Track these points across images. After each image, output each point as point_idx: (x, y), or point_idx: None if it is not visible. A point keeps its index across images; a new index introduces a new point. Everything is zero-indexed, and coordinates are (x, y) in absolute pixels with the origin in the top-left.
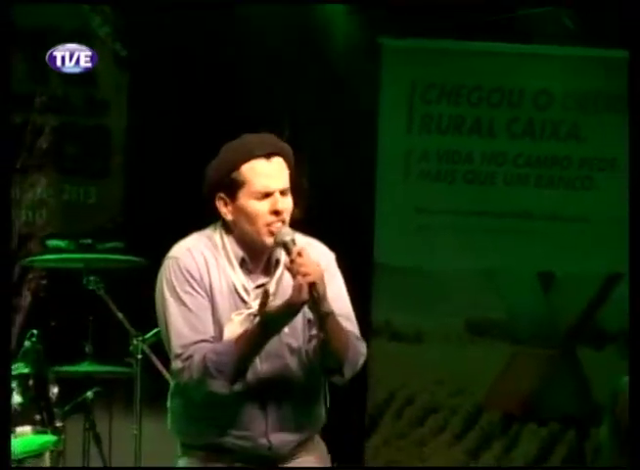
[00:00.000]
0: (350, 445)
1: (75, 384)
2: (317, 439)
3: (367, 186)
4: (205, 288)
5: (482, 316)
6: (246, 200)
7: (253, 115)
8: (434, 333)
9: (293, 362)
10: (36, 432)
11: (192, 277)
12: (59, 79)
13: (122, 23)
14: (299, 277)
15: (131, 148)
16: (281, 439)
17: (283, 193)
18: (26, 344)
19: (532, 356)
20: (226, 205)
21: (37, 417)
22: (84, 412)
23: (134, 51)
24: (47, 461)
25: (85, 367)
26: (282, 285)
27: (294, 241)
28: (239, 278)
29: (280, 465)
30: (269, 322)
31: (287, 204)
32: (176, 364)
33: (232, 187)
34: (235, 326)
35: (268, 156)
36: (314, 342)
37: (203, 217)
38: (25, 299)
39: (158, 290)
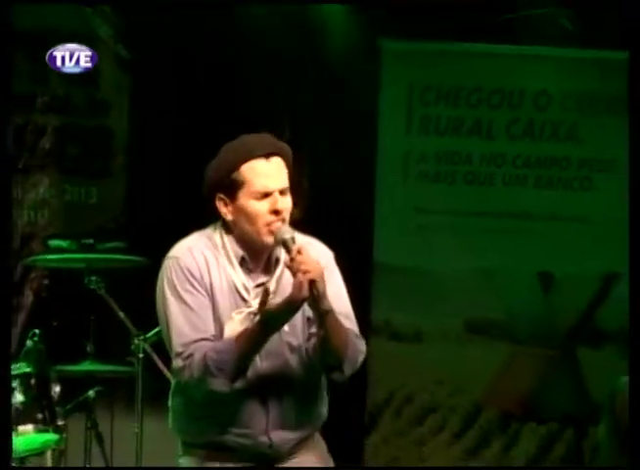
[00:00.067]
0: (350, 443)
1: (77, 383)
2: (317, 437)
3: (367, 186)
4: (206, 287)
5: (482, 316)
6: (245, 200)
7: (254, 115)
8: (433, 332)
9: (293, 360)
10: (38, 430)
11: (192, 276)
12: (60, 80)
13: (124, 24)
14: (300, 275)
15: (133, 148)
16: (281, 436)
17: (282, 193)
18: (28, 343)
19: (531, 356)
20: (226, 205)
21: (39, 416)
22: (86, 411)
23: (135, 52)
24: (49, 460)
25: (87, 366)
26: (282, 283)
27: (293, 239)
28: (239, 277)
29: (280, 463)
30: (269, 320)
31: (286, 203)
32: (177, 363)
33: (232, 187)
34: (235, 325)
35: (267, 156)
36: (314, 340)
37: (203, 217)
38: (27, 298)
39: (158, 289)
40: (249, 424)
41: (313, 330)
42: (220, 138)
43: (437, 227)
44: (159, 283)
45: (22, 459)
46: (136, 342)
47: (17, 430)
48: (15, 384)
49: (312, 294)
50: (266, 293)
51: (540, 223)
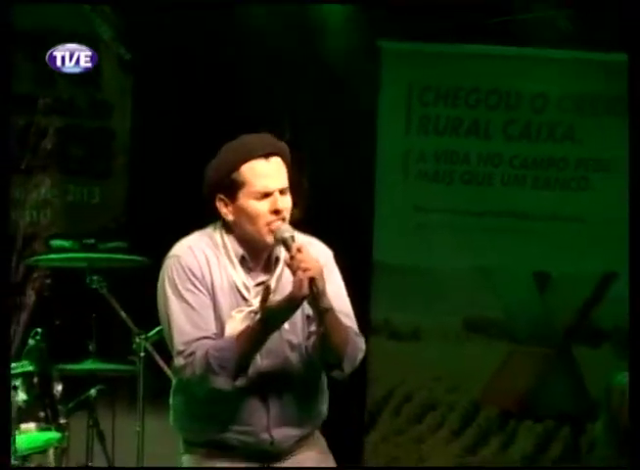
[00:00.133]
0: (350, 440)
1: (79, 381)
2: (317, 434)
3: (366, 186)
4: (207, 286)
5: (480, 315)
6: (246, 200)
7: (254, 115)
8: (432, 331)
9: (293, 358)
10: (40, 429)
11: (193, 275)
12: (62, 81)
13: (124, 25)
14: (300, 272)
15: (134, 149)
16: (283, 434)
17: (282, 192)
18: (31, 342)
19: (529, 355)
20: (226, 205)
21: (41, 414)
22: (88, 409)
23: (136, 53)
24: (51, 458)
25: (89, 365)
26: (282, 282)
27: (293, 238)
28: (239, 276)
29: (281, 460)
30: (270, 317)
31: (286, 203)
32: (178, 361)
33: (232, 188)
34: (236, 323)
35: (267, 156)
36: (314, 338)
37: (204, 217)
38: (30, 298)
39: (160, 288)
40: (250, 421)
41: (313, 328)
42: (221, 138)
43: (436, 226)
44: (160, 282)
45: (25, 457)
46: (137, 341)
47: (19, 428)
48: (17, 382)
49: (312, 292)
50: (267, 290)
51: (538, 223)
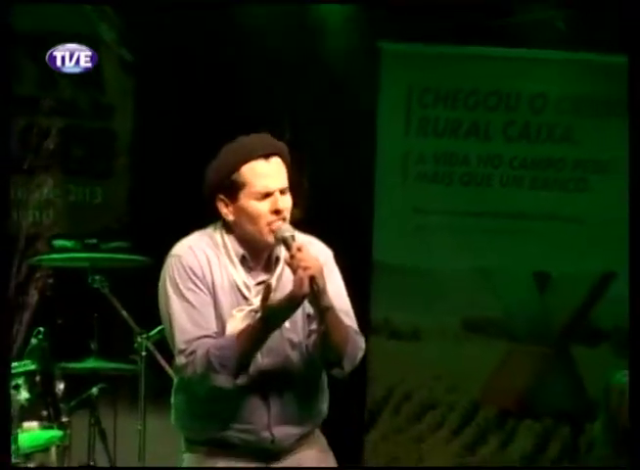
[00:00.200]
0: (350, 439)
1: (81, 380)
2: (318, 432)
3: (366, 187)
4: (208, 285)
5: (479, 315)
6: (246, 200)
7: (255, 116)
8: (431, 331)
9: (294, 357)
10: (43, 427)
11: (194, 274)
12: (65, 83)
13: (126, 26)
14: (300, 271)
15: (136, 149)
16: (283, 432)
17: (282, 192)
18: (33, 341)
19: (528, 354)
20: (227, 206)
21: (44, 413)
22: (90, 408)
23: (138, 54)
24: (53, 456)
25: (91, 364)
26: (282, 281)
27: (293, 237)
28: (240, 275)
29: (282, 458)
30: (271, 316)
31: (287, 202)
32: (180, 360)
33: (232, 188)
34: (237, 322)
35: (267, 156)
36: (314, 336)
37: (205, 217)
38: (32, 297)
39: (161, 287)
40: (250, 420)
41: (313, 327)
42: (221, 139)
43: (436, 227)
44: (161, 281)
45: (27, 455)
46: (139, 340)
47: (22, 426)
48: (20, 381)
49: (313, 290)
50: (268, 289)
51: (536, 223)
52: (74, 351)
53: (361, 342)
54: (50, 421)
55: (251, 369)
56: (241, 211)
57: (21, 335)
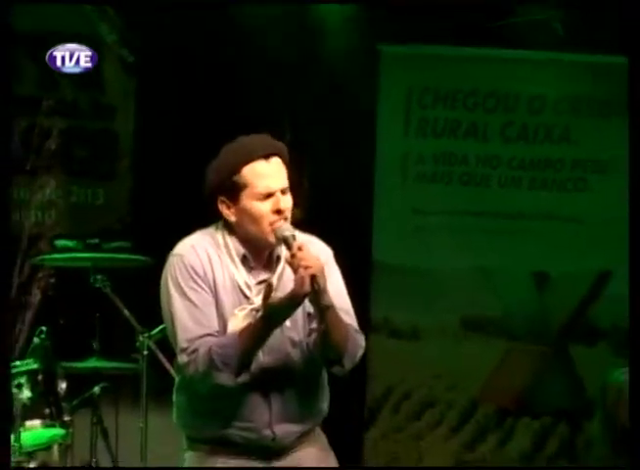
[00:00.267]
0: (350, 437)
1: (83, 379)
2: (318, 430)
3: (366, 188)
4: (210, 284)
5: (478, 314)
6: (248, 201)
7: (256, 116)
8: (431, 330)
9: (295, 355)
10: (45, 425)
11: (196, 273)
12: (67, 84)
13: (128, 28)
14: (301, 270)
15: (137, 150)
16: (284, 430)
17: (283, 192)
18: (36, 340)
19: (526, 353)
20: (228, 207)
21: (46, 411)
22: (92, 407)
23: (139, 55)
24: (55, 454)
25: (93, 363)
26: (283, 280)
27: (294, 236)
28: (241, 275)
29: (283, 456)
30: (272, 314)
31: (288, 202)
32: (182, 358)
33: (234, 190)
34: (238, 321)
35: (267, 157)
36: (315, 335)
37: (206, 218)
38: (35, 296)
39: (163, 286)
40: (252, 418)
41: (314, 325)
42: (222, 139)
43: (435, 227)
44: (163, 280)
45: (30, 454)
46: (141, 339)
47: (24, 425)
48: (22, 380)
49: (313, 289)
50: (269, 288)
51: (535, 223)
52: (77, 350)
53: (361, 340)
54: (52, 420)
55: (253, 367)
56: (243, 212)
57: (23, 334)
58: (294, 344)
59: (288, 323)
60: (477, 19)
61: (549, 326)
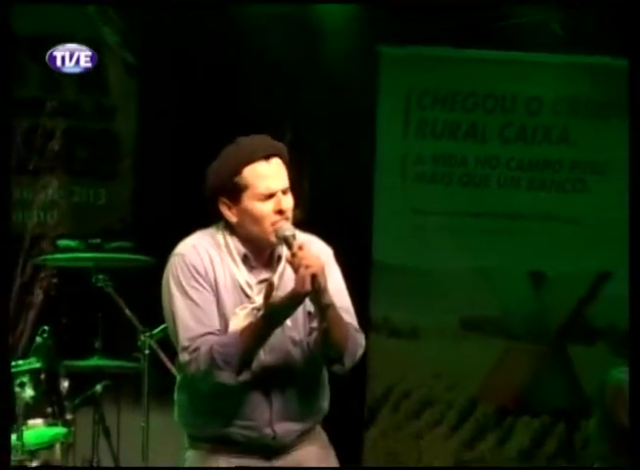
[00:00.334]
0: (350, 436)
1: (85, 378)
2: (319, 429)
3: (366, 188)
4: (211, 283)
5: (477, 313)
6: (250, 202)
7: (257, 117)
8: (430, 329)
9: (295, 354)
10: (47, 424)
11: (197, 273)
12: (69, 85)
13: (130, 30)
14: (302, 269)
15: (139, 151)
16: (285, 428)
17: (284, 192)
18: (38, 339)
19: (525, 352)
20: (230, 208)
21: (48, 410)
22: (94, 405)
23: (141, 57)
24: (57, 452)
25: (95, 362)
26: (284, 279)
27: (294, 236)
28: (242, 274)
29: (283, 454)
30: (274, 313)
31: (289, 202)
32: (183, 357)
33: (235, 191)
34: (239, 320)
35: (267, 157)
36: (315, 334)
37: (207, 218)
38: (37, 296)
39: (164, 285)
40: (253, 416)
41: (314, 324)
42: (223, 140)
43: (434, 228)
44: (164, 280)
45: (32, 452)
46: (142, 338)
47: (27, 424)
48: (25, 379)
49: (314, 288)
50: (270, 287)
51: (533, 224)
52: (79, 349)
53: (361, 339)
54: (55, 418)
55: (254, 366)
56: (244, 213)
57: (26, 333)
58: (294, 343)
59: (289, 322)
60: (476, 20)
61: (547, 326)
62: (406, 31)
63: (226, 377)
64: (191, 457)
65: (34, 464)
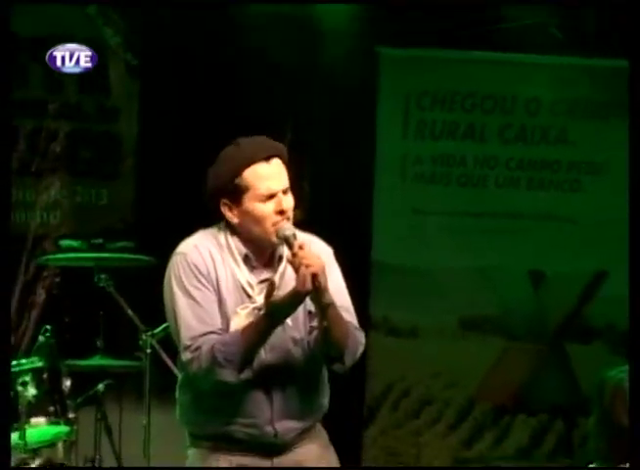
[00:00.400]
0: (349, 434)
1: (87, 377)
2: (319, 427)
3: (366, 188)
4: (212, 282)
5: (476, 313)
6: (251, 203)
7: (258, 118)
8: (429, 329)
9: (296, 353)
10: (50, 423)
11: (199, 272)
12: (71, 87)
13: (132, 31)
14: (302, 268)
15: (141, 151)
16: (286, 426)
17: (285, 192)
18: (41, 339)
19: (523, 351)
20: (231, 209)
21: (51, 409)
22: (96, 404)
23: (143, 58)
24: (60, 451)
25: (97, 361)
26: (285, 279)
27: (295, 235)
28: (243, 274)
29: (284, 452)
30: (274, 312)
31: (289, 202)
32: (185, 355)
33: (236, 192)
34: (241, 319)
35: (267, 158)
36: (315, 333)
37: (209, 218)
38: (40, 296)
39: (166, 285)
40: (254, 414)
41: (315, 323)
42: (224, 140)
43: (434, 227)
44: (166, 279)
45: (35, 450)
46: (144, 338)
47: (29, 422)
48: (27, 378)
49: (315, 287)
50: (272, 286)
51: (532, 223)
52: (81, 348)
53: (361, 337)
54: (57, 417)
55: (255, 365)
56: (246, 214)
57: (28, 333)
58: (295, 342)
59: (289, 321)
60: (475, 21)
61: (546, 325)
62: (406, 32)
63: (228, 375)
64: (192, 456)
65: (37, 462)
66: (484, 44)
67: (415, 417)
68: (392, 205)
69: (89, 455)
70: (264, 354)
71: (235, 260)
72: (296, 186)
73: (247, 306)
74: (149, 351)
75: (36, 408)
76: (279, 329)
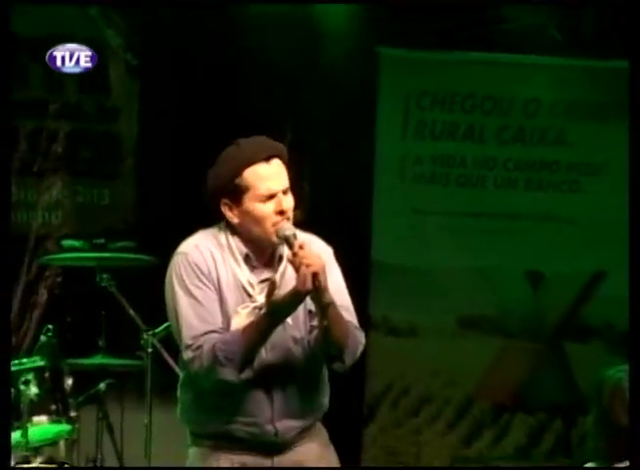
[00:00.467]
0: (349, 432)
1: (89, 376)
2: (319, 425)
3: (365, 189)
4: (214, 282)
5: (475, 312)
6: (251, 203)
7: (258, 118)
8: (428, 328)
9: (296, 352)
10: (52, 421)
11: (201, 272)
12: (72, 87)
13: (132, 32)
14: (303, 268)
15: (141, 151)
16: (286, 425)
17: (285, 192)
18: (42, 338)
19: (521, 350)
20: (231, 209)
21: (53, 407)
22: (97, 403)
23: (143, 58)
24: (62, 449)
25: (98, 360)
26: (285, 278)
27: (295, 235)
28: (244, 274)
29: (285, 451)
30: (275, 312)
31: (289, 202)
32: (187, 354)
33: (236, 193)
34: (242, 318)
35: (267, 159)
36: (316, 332)
37: (209, 218)
38: (42, 295)
39: (167, 284)
40: (254, 413)
41: (315, 323)
42: (225, 140)
43: (433, 228)
44: (167, 278)
45: (37, 449)
46: (145, 337)
47: (31, 421)
48: (29, 377)
49: (315, 286)
50: (273, 286)
51: (530, 224)
52: (83, 347)
53: (361, 336)
54: (59, 415)
55: (256, 364)
56: (246, 214)
57: (30, 332)
58: (295, 341)
59: (290, 321)
60: (475, 22)
61: (544, 324)
62: (406, 32)
63: (228, 374)
64: (193, 454)
65: (38, 460)
66: (484, 45)
67: (414, 415)
68: (392, 205)
69: (91, 454)
70: (265, 354)
71: (236, 260)
72: (296, 186)
73: (247, 306)
74: (150, 350)
75: (38, 407)
76: (279, 328)
